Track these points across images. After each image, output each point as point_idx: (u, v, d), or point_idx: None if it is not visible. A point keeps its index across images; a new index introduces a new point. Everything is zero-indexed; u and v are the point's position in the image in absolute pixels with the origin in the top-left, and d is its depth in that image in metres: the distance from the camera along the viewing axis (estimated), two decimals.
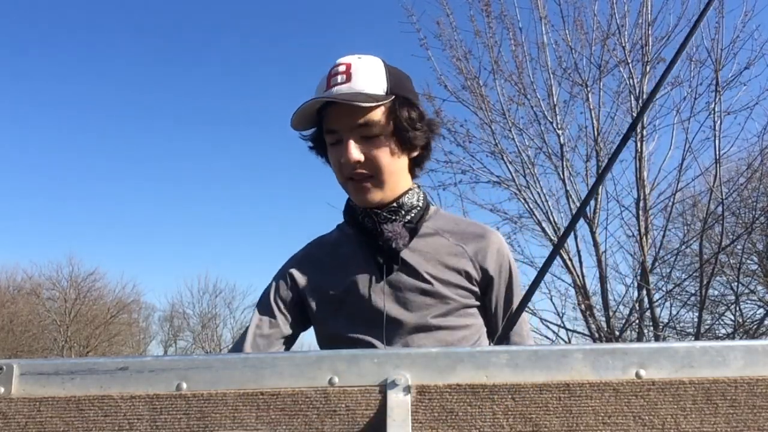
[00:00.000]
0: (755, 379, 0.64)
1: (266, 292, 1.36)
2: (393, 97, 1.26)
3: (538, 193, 6.83)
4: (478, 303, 1.32)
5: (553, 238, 6.62)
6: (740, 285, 9.07)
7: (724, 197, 6.08)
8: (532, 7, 6.98)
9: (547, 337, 6.85)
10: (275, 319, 1.32)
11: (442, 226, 1.34)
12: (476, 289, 1.31)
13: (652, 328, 6.52)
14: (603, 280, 6.62)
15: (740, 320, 8.41)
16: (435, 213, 1.37)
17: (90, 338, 24.81)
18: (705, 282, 6.48)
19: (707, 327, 7.75)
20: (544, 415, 0.64)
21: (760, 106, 6.46)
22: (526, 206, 6.81)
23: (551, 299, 6.83)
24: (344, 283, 1.30)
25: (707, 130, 6.35)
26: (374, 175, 1.26)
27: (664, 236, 6.80)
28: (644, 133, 6.59)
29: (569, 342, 6.79)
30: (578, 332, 7.02)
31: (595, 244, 6.62)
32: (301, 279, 1.35)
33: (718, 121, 6.17)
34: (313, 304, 1.33)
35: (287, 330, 1.33)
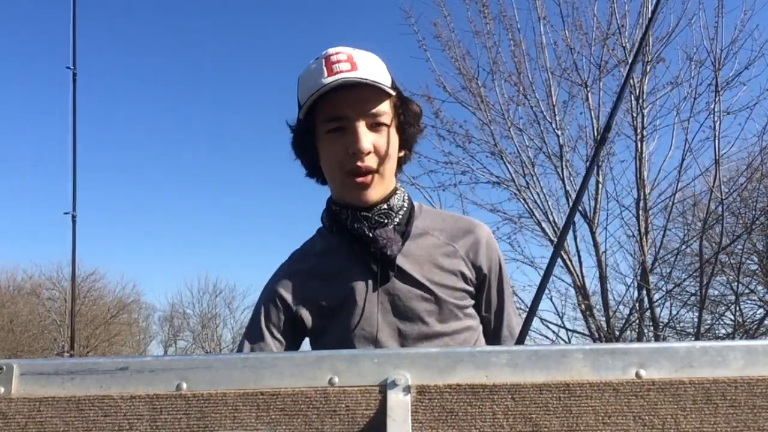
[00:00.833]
0: (755, 379, 0.64)
1: (255, 319, 1.28)
2: (397, 90, 1.23)
3: (538, 193, 6.83)
4: (473, 302, 1.29)
5: (552, 238, 6.62)
6: (740, 285, 9.07)
7: (724, 197, 6.08)
8: (530, 8, 6.99)
9: (547, 337, 6.86)
10: (269, 347, 1.25)
11: (430, 225, 1.29)
12: (471, 288, 1.28)
13: (652, 328, 6.52)
14: (603, 280, 6.62)
15: (740, 320, 8.41)
16: (420, 211, 1.32)
17: (90, 338, 24.80)
18: (705, 282, 6.48)
19: (707, 327, 7.75)
20: (544, 415, 0.64)
21: (760, 106, 6.45)
22: (526, 206, 6.81)
23: (551, 299, 6.84)
24: (337, 294, 1.24)
25: (707, 130, 6.35)
26: (378, 169, 1.21)
27: (664, 236, 6.80)
28: (644, 133, 6.59)
29: (569, 342, 6.79)
30: (578, 332, 7.02)
31: (595, 244, 6.62)
32: (289, 297, 1.27)
33: (718, 121, 6.16)
34: (307, 320, 1.26)
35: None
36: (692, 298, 7.78)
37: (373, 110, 1.18)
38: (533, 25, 7.07)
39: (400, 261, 1.23)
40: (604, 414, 0.64)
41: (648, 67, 6.57)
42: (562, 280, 6.81)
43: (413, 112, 1.26)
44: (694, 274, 7.18)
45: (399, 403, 0.64)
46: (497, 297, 1.32)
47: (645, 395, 0.64)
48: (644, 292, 6.49)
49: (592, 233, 6.63)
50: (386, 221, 1.23)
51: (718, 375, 0.64)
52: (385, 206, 1.24)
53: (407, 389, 0.65)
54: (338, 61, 1.17)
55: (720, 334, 8.52)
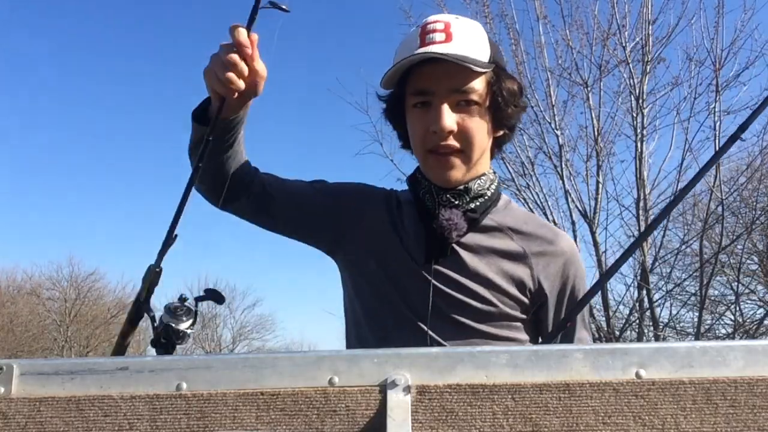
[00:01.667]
0: (755, 379, 0.64)
1: (331, 184, 1.30)
2: (494, 66, 1.14)
3: (538, 193, 6.83)
4: (524, 316, 1.17)
5: None
6: (740, 285, 9.07)
7: (724, 197, 6.08)
8: (528, 8, 6.98)
9: None
10: (294, 191, 1.25)
11: (509, 223, 1.20)
12: (526, 301, 1.16)
13: (652, 328, 6.52)
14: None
15: (740, 320, 8.41)
16: (505, 206, 1.23)
17: (90, 338, 24.80)
18: (705, 282, 6.48)
19: (707, 327, 7.74)
20: (544, 415, 0.64)
21: None
22: (526, 206, 6.80)
23: None
24: (389, 250, 1.19)
25: (707, 130, 6.36)
26: (463, 149, 1.13)
27: (664, 236, 6.80)
28: (644, 133, 6.59)
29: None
30: None
31: (595, 244, 6.62)
32: (361, 206, 1.25)
33: (718, 121, 6.17)
34: (350, 241, 1.23)
35: (287, 204, 1.25)
36: (692, 298, 7.78)
37: (461, 87, 1.10)
38: (531, 25, 7.08)
39: (460, 249, 1.16)
40: (604, 414, 0.64)
41: (648, 67, 6.57)
42: None
43: (510, 90, 1.16)
44: (694, 274, 7.19)
45: (399, 403, 0.64)
46: (555, 320, 1.19)
47: (645, 395, 0.64)
48: (644, 292, 6.50)
49: (592, 233, 6.63)
50: (457, 203, 1.16)
51: (718, 375, 0.64)
52: (462, 187, 1.17)
53: (407, 389, 0.65)
54: (433, 31, 1.10)
55: (720, 334, 8.52)
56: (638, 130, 6.53)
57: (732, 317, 8.83)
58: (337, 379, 0.66)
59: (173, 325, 1.17)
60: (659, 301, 6.87)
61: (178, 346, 1.15)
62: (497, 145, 1.24)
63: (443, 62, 1.08)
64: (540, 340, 1.19)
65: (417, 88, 1.13)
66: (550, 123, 6.76)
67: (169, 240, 1.10)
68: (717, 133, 6.15)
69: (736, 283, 8.74)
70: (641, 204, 6.54)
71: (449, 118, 1.10)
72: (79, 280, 25.60)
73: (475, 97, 1.12)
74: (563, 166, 6.66)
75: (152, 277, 1.11)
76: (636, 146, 6.58)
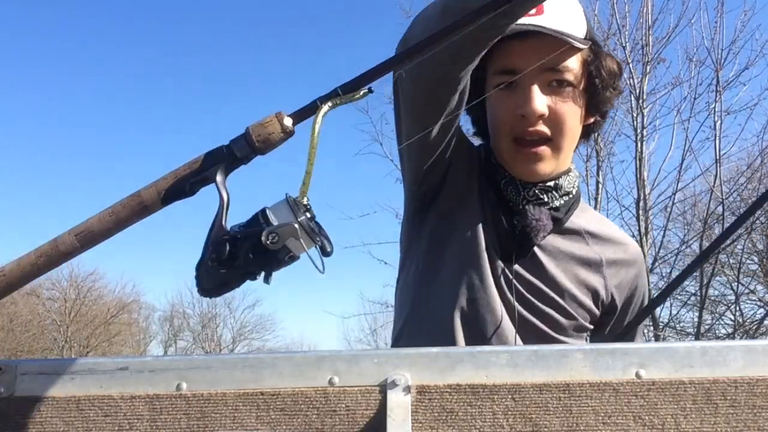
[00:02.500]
0: (755, 379, 0.64)
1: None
2: (590, 42, 1.01)
3: None
4: (592, 327, 1.11)
5: None
6: (740, 285, 9.07)
7: (724, 197, 6.09)
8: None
9: None
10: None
11: (585, 226, 1.10)
12: (597, 312, 1.09)
13: (652, 328, 6.52)
14: None
15: (740, 320, 8.42)
16: (581, 205, 1.13)
17: (90, 338, 24.81)
18: (705, 282, 6.48)
19: (707, 327, 7.75)
20: (544, 415, 0.64)
21: (760, 106, 6.47)
22: None
23: None
24: (471, 239, 1.05)
25: (707, 130, 6.37)
26: (553, 137, 1.01)
27: (664, 236, 6.82)
28: (644, 133, 6.59)
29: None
30: None
31: None
32: (468, 167, 1.07)
33: (719, 121, 6.18)
34: (443, 203, 1.07)
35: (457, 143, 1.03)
36: (692, 298, 7.78)
37: (555, 65, 0.97)
38: None
39: (539, 251, 1.05)
40: (604, 414, 0.64)
41: (648, 68, 6.58)
42: None
43: (609, 71, 1.03)
44: (694, 274, 7.19)
45: (399, 403, 0.64)
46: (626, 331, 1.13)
47: (645, 395, 0.64)
48: None
49: None
50: (545, 200, 1.05)
51: (718, 375, 0.64)
52: (552, 183, 1.05)
53: (407, 389, 0.65)
54: None
55: (720, 334, 8.52)
56: (638, 130, 6.53)
57: (732, 317, 8.84)
58: (337, 379, 0.66)
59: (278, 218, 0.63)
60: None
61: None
62: (585, 135, 1.10)
63: (534, 37, 0.95)
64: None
65: (503, 66, 0.99)
66: None
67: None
68: (717, 133, 6.16)
69: (736, 283, 8.75)
70: (641, 204, 6.54)
71: (540, 101, 0.98)
72: (79, 280, 25.61)
73: (569, 77, 0.99)
74: None
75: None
76: (636, 146, 6.59)
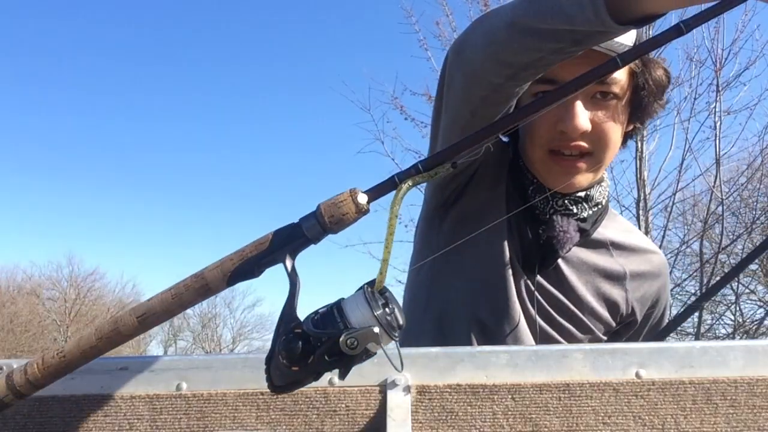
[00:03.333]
0: (755, 379, 0.64)
1: None
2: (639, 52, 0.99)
3: None
4: (605, 338, 1.09)
5: None
6: (740, 285, 9.07)
7: (724, 197, 6.09)
8: None
9: None
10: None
11: (611, 237, 1.06)
12: (614, 324, 1.08)
13: None
14: None
15: (740, 320, 8.42)
16: (609, 214, 1.09)
17: None
18: (705, 282, 6.48)
19: (707, 327, 7.75)
20: (544, 415, 0.64)
21: (760, 106, 6.47)
22: None
23: None
24: (494, 246, 1.01)
25: (707, 130, 6.37)
26: (593, 151, 0.95)
27: (664, 236, 6.81)
28: (644, 133, 6.59)
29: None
30: None
31: None
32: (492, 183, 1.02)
33: (719, 121, 6.18)
34: (466, 202, 1.03)
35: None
36: (692, 298, 7.78)
37: (602, 78, 0.91)
38: None
39: (562, 263, 1.03)
40: (604, 414, 0.64)
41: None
42: None
43: (658, 82, 0.97)
44: (694, 274, 7.19)
45: (399, 403, 0.64)
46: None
47: (645, 395, 0.64)
48: None
49: None
50: (574, 211, 1.00)
51: (718, 375, 0.64)
52: (583, 193, 1.00)
53: (407, 389, 0.65)
54: None
55: (720, 334, 8.53)
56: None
57: (732, 317, 8.84)
58: (337, 379, 0.66)
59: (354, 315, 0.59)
60: None
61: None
62: (623, 142, 1.04)
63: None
64: None
65: (544, 75, 0.90)
66: None
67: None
68: (717, 133, 6.16)
69: (736, 283, 8.75)
70: (641, 204, 6.54)
71: (583, 117, 0.92)
72: (79, 280, 25.62)
73: (616, 89, 0.94)
74: None
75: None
76: (636, 146, 6.58)
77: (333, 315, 0.59)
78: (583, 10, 0.68)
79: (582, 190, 1.00)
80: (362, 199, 0.61)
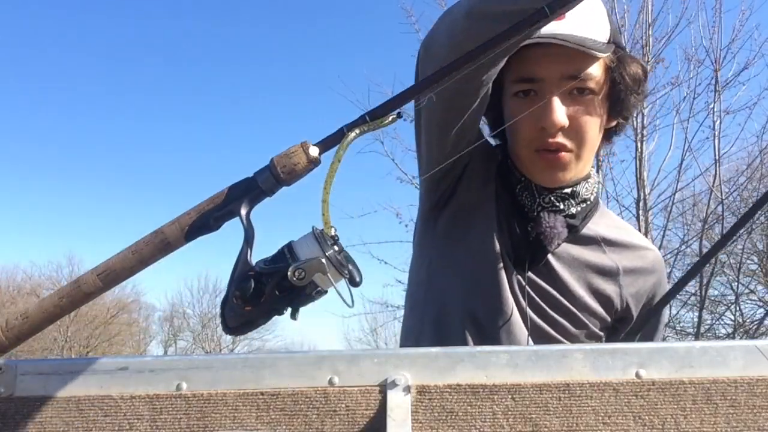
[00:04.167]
0: (755, 379, 0.64)
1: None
2: (614, 47, 0.99)
3: None
4: (602, 334, 1.10)
5: None
6: (740, 285, 9.08)
7: (724, 197, 6.09)
8: None
9: None
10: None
11: (603, 233, 1.09)
12: (609, 319, 1.09)
13: None
14: None
15: (740, 320, 8.42)
16: (600, 211, 1.11)
17: (90, 338, 24.81)
18: (705, 282, 6.48)
19: (707, 327, 7.75)
20: (544, 415, 0.64)
21: (759, 106, 6.47)
22: None
23: None
24: (485, 243, 1.04)
25: (707, 130, 6.37)
26: (574, 147, 0.99)
27: (664, 236, 6.81)
28: (644, 133, 6.59)
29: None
30: None
31: None
32: (483, 170, 1.06)
33: (718, 121, 6.18)
34: (459, 199, 1.06)
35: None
36: (692, 298, 7.78)
37: (577, 73, 0.95)
38: None
39: (553, 259, 1.05)
40: (604, 414, 0.64)
41: (648, 67, 6.58)
42: None
43: (633, 76, 1.01)
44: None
45: (399, 403, 0.64)
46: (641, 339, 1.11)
47: (645, 395, 0.64)
48: None
49: None
50: (561, 207, 1.03)
51: (718, 375, 0.64)
52: (569, 190, 1.03)
53: (407, 389, 0.65)
54: None
55: (720, 334, 8.53)
56: (638, 130, 6.53)
57: (732, 317, 8.84)
58: (337, 379, 0.66)
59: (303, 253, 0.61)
60: None
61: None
62: (607, 137, 1.08)
63: (555, 45, 0.93)
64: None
65: (522, 74, 0.97)
66: None
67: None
68: (717, 133, 6.16)
69: (736, 283, 8.75)
70: (641, 204, 6.54)
71: (561, 113, 0.95)
72: None
73: (592, 84, 0.97)
74: None
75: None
76: (636, 146, 6.59)
77: (283, 254, 0.62)
78: None
79: (568, 186, 1.03)
80: (313, 150, 0.63)
